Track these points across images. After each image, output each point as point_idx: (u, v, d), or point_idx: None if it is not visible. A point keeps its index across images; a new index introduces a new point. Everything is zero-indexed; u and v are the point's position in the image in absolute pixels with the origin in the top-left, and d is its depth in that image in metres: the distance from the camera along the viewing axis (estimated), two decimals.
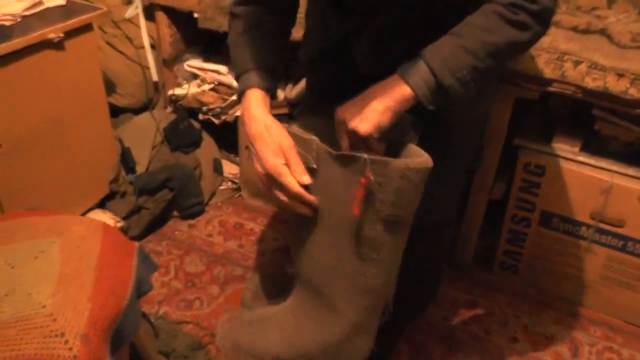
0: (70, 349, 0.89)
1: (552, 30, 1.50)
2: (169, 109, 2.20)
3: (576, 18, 1.50)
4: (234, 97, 2.06)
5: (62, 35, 1.58)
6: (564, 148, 1.61)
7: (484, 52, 0.92)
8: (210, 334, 1.62)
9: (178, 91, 2.15)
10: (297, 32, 1.23)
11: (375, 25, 1.05)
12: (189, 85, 2.13)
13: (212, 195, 2.19)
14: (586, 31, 1.48)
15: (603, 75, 1.41)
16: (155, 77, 2.17)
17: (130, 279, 1.08)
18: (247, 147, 2.05)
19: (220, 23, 1.94)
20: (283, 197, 0.98)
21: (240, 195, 2.21)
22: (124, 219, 1.90)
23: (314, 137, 1.00)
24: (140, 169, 1.99)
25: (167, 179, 1.97)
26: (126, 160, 1.98)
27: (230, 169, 2.27)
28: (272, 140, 0.98)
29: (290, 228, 1.13)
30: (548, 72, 1.46)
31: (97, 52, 1.84)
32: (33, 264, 1.02)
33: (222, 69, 2.07)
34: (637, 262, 1.62)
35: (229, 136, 2.19)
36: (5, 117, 1.52)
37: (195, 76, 2.15)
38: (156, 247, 1.95)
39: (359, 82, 1.01)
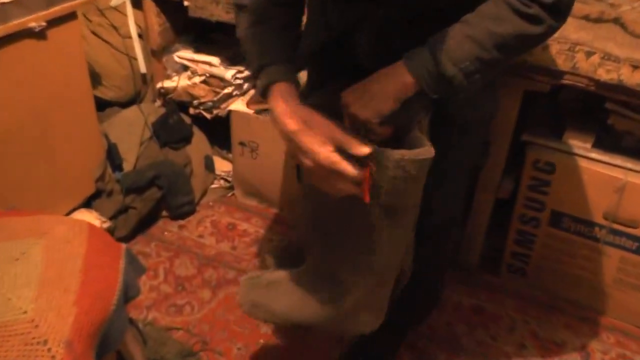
0: (53, 357, 0.89)
1: None
2: (158, 103, 2.20)
3: (588, 6, 1.50)
4: (227, 91, 2.06)
5: (44, 24, 1.57)
6: (575, 144, 1.61)
7: (490, 43, 0.92)
8: (201, 341, 1.62)
9: (167, 84, 2.14)
10: None
11: (378, 16, 1.05)
12: (179, 78, 2.13)
13: (204, 194, 2.18)
14: (599, 20, 1.47)
15: (617, 67, 1.41)
16: (143, 69, 2.16)
17: (117, 282, 1.07)
18: (241, 143, 2.06)
19: (212, 12, 1.93)
20: (342, 185, 0.98)
21: (233, 194, 2.21)
22: (111, 219, 1.89)
23: None
24: (127, 166, 1.98)
25: (156, 176, 1.97)
26: (112, 156, 1.97)
27: (222, 166, 2.27)
28: (315, 130, 0.97)
29: (301, 208, 1.23)
30: (559, 63, 1.45)
31: (82, 42, 1.83)
32: (13, 267, 1.01)
33: (214, 60, 2.07)
34: None
35: (221, 131, 2.19)
36: None
37: (185, 68, 2.15)
38: (144, 249, 1.94)
39: (361, 77, 1.02)
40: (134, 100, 2.21)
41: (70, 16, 1.67)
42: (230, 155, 2.22)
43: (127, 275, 1.12)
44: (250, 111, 2.02)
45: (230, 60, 2.08)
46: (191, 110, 2.14)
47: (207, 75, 2.08)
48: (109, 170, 1.96)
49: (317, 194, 1.05)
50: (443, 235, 1.37)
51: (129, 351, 1.29)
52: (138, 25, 2.13)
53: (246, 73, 2.08)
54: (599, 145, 1.60)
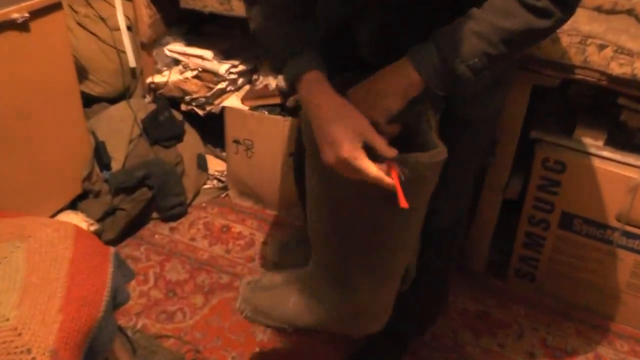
0: None
1: None
2: (148, 99, 2.20)
3: None
4: (220, 86, 2.06)
5: (27, 15, 1.57)
6: (586, 142, 1.61)
7: (497, 38, 0.93)
8: (193, 349, 1.62)
9: (158, 78, 2.14)
10: None
11: (381, 8, 1.05)
12: (170, 72, 2.13)
13: (196, 194, 2.18)
14: (612, 11, 1.47)
15: (630, 61, 1.41)
16: (132, 63, 2.16)
17: (105, 288, 1.07)
18: (235, 141, 2.06)
19: (205, 3, 1.93)
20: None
21: (227, 195, 2.21)
22: (98, 221, 1.89)
23: None
24: (115, 165, 1.98)
25: (146, 176, 1.97)
26: (100, 155, 1.97)
27: (215, 165, 2.27)
28: (347, 122, 0.97)
29: (307, 214, 1.21)
30: (569, 57, 1.46)
31: (67, 34, 1.82)
32: None
33: (207, 54, 2.06)
34: None
35: (214, 129, 2.19)
36: None
37: (177, 62, 2.15)
38: (134, 253, 1.94)
39: (362, 73, 1.03)
40: (122, 95, 2.20)
41: (55, 6, 1.67)
42: (224, 154, 2.22)
43: (116, 280, 1.12)
44: (245, 107, 2.02)
45: (224, 53, 2.08)
46: (183, 107, 2.13)
47: (200, 69, 2.08)
48: (97, 169, 1.96)
49: (337, 194, 1.07)
50: (447, 238, 1.37)
51: None
52: (127, 17, 2.13)
53: (240, 67, 2.08)
54: (611, 142, 1.60)
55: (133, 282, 1.77)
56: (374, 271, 1.15)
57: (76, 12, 2.09)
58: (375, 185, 0.96)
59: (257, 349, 1.64)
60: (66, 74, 1.79)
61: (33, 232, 1.11)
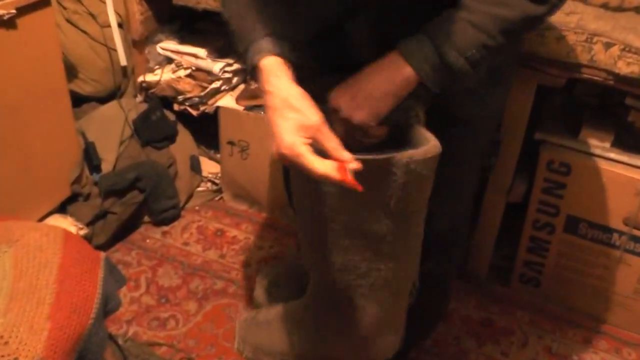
0: None
1: (580, 7, 1.50)
2: (140, 98, 2.19)
3: None
4: (214, 85, 2.05)
5: (13, 11, 1.57)
6: (592, 143, 1.61)
7: (495, 28, 0.92)
8: (187, 357, 1.62)
9: (150, 77, 2.14)
10: None
11: (378, 6, 1.04)
12: (162, 71, 2.12)
13: (189, 197, 2.18)
14: (619, 8, 1.48)
15: (638, 59, 1.41)
16: (123, 61, 2.16)
17: (95, 294, 1.07)
18: (229, 142, 2.05)
19: None
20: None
21: (221, 198, 2.21)
22: (88, 225, 1.89)
23: None
24: (106, 167, 1.98)
25: (137, 178, 1.96)
26: (90, 157, 1.97)
27: (209, 167, 2.27)
28: (293, 115, 0.91)
29: (298, 227, 1.16)
30: (575, 55, 1.46)
31: (56, 31, 1.82)
32: None
33: (201, 52, 2.06)
34: None
35: (208, 130, 2.19)
36: None
37: (169, 60, 2.14)
38: (125, 258, 1.94)
39: (356, 69, 1.00)
40: (113, 95, 2.20)
41: (43, 3, 1.66)
42: (218, 156, 2.22)
43: (106, 286, 1.11)
44: (240, 107, 2.02)
45: (219, 52, 2.08)
46: (175, 107, 2.13)
47: (193, 68, 2.08)
48: (86, 171, 1.95)
49: (331, 206, 1.03)
50: (448, 243, 1.36)
51: None
52: (118, 13, 2.13)
53: (235, 66, 2.08)
54: (618, 144, 1.60)
55: (124, 288, 1.76)
56: (380, 288, 1.10)
57: (65, 8, 2.09)
58: (370, 192, 0.91)
59: None
60: (54, 73, 1.79)
61: (20, 237, 1.10)
